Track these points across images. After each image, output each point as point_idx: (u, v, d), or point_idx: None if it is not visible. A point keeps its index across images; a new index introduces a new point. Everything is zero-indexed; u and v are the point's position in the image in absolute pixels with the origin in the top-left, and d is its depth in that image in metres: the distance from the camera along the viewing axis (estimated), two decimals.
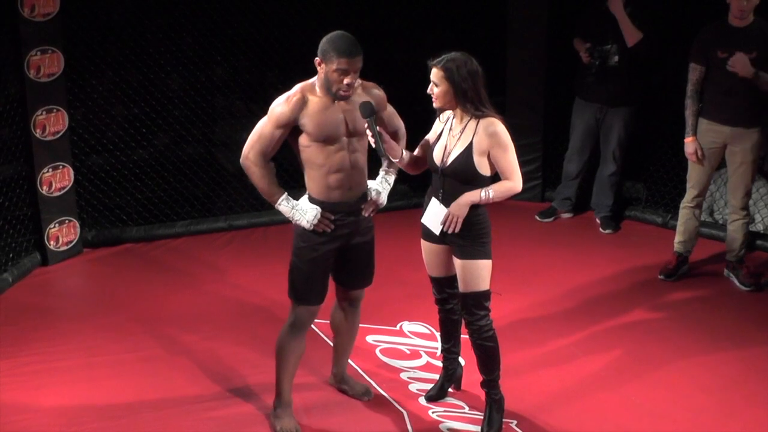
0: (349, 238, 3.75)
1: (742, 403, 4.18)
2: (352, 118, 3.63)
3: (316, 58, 3.58)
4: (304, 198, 3.71)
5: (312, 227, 3.66)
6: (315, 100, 3.60)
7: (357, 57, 3.53)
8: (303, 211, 3.66)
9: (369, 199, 3.79)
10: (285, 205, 3.66)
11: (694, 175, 5.35)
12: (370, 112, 3.58)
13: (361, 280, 3.96)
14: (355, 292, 3.99)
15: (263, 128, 3.63)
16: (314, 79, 3.65)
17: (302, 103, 3.58)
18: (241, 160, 3.69)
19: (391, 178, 3.89)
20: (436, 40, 6.38)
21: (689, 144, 5.25)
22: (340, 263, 3.80)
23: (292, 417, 3.90)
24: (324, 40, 3.58)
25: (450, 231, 3.66)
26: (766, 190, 5.95)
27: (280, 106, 3.60)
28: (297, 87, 3.64)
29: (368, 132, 3.59)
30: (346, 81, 3.54)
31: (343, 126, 3.64)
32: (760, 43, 4.97)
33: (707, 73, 5.14)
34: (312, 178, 3.67)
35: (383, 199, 3.85)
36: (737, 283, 5.38)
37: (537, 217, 6.48)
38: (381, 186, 3.85)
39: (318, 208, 3.66)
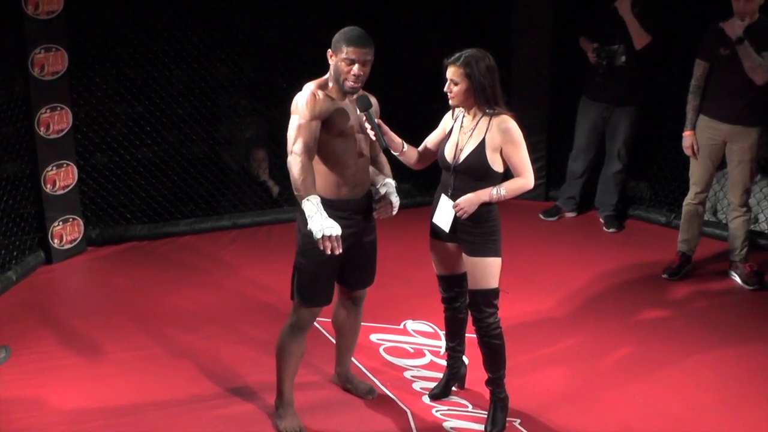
0: (356, 238, 3.75)
1: (746, 401, 4.18)
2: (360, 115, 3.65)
3: (328, 51, 3.59)
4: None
5: (321, 237, 3.45)
6: (333, 94, 3.61)
7: (366, 48, 3.53)
8: (327, 223, 3.46)
9: (384, 201, 3.75)
10: (315, 205, 3.46)
11: (695, 173, 5.37)
12: (367, 105, 3.58)
13: (365, 280, 3.96)
14: (358, 291, 3.99)
15: (300, 124, 3.52)
16: (326, 76, 3.65)
17: (327, 97, 3.57)
18: (288, 160, 3.54)
19: (392, 182, 3.85)
20: (441, 40, 6.38)
21: (686, 138, 5.30)
22: (344, 263, 3.79)
23: (294, 416, 3.90)
24: (337, 33, 3.58)
25: (459, 215, 3.66)
26: None
27: (309, 100, 3.53)
28: (312, 85, 3.61)
29: (367, 125, 3.59)
30: (353, 71, 3.53)
31: (355, 121, 3.64)
32: (762, 42, 4.97)
33: (710, 70, 5.16)
34: (323, 175, 3.64)
35: (396, 203, 3.78)
36: (740, 282, 5.39)
37: (541, 216, 6.49)
38: (391, 187, 3.78)
39: (339, 228, 3.51)
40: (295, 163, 3.52)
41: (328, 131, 3.58)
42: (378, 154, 3.84)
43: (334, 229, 3.46)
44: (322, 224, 3.45)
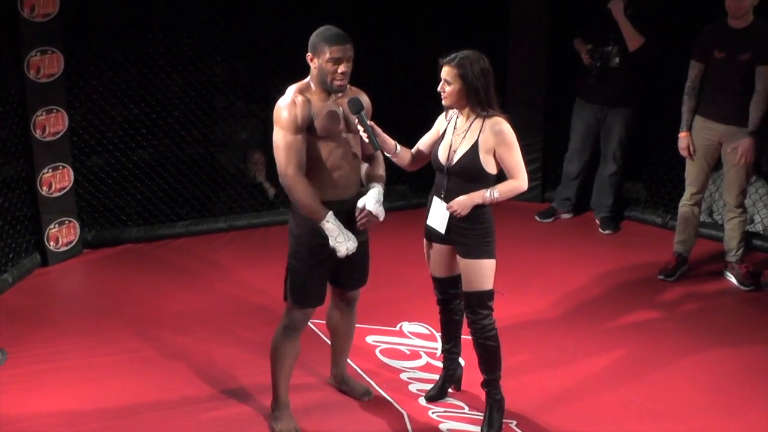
0: None
1: (741, 402, 4.19)
2: (348, 115, 3.64)
3: (308, 55, 3.58)
4: None
5: (345, 255, 3.60)
6: (315, 99, 3.59)
7: (348, 45, 3.53)
8: (348, 236, 3.59)
9: (363, 210, 3.67)
10: (333, 223, 3.56)
11: (691, 173, 5.37)
12: (359, 107, 3.58)
13: (358, 280, 3.95)
14: (351, 292, 3.99)
15: (285, 140, 3.55)
16: (306, 79, 3.64)
17: (307, 102, 3.57)
18: (281, 180, 3.59)
19: (381, 188, 3.78)
20: (437, 41, 6.38)
21: (682, 139, 5.30)
22: (336, 264, 3.79)
23: (291, 418, 3.90)
24: (312, 35, 3.58)
25: (454, 214, 3.66)
26: (766, 190, 5.95)
27: (289, 110, 3.54)
28: (292, 89, 3.61)
29: (360, 127, 3.59)
30: (340, 70, 3.53)
31: (342, 122, 3.64)
32: (756, 45, 4.99)
33: (705, 71, 5.17)
34: (314, 177, 3.63)
35: (381, 211, 3.70)
36: (736, 283, 5.39)
37: (537, 218, 6.49)
38: (376, 197, 3.70)
39: (356, 240, 3.62)
40: (295, 187, 3.56)
41: (314, 134, 3.58)
42: (375, 155, 3.83)
43: (354, 243, 3.61)
44: (347, 246, 3.59)
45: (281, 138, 3.56)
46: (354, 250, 3.61)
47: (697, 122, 5.26)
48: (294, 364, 3.88)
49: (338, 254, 3.60)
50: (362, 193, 3.76)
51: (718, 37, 5.06)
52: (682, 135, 5.30)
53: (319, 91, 3.61)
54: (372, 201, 3.68)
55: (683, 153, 5.34)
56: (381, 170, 3.82)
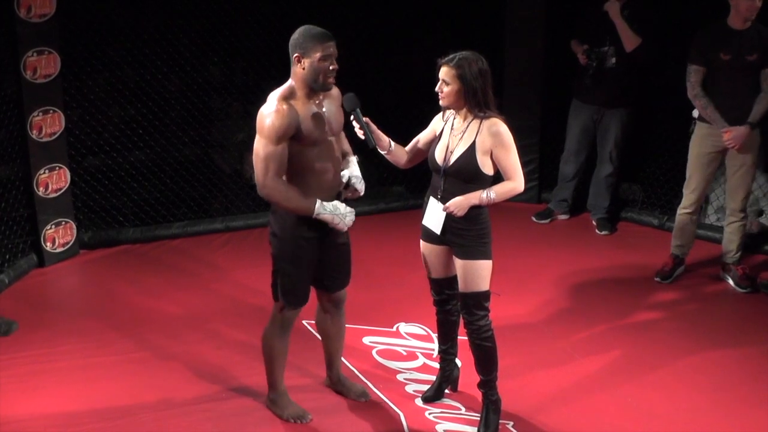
0: (331, 238, 3.75)
1: (737, 404, 4.19)
2: (330, 117, 3.64)
3: (295, 55, 3.54)
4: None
5: (347, 228, 3.65)
6: (299, 104, 3.56)
7: (334, 41, 3.54)
8: (343, 215, 3.61)
9: (349, 186, 3.76)
10: (324, 212, 3.57)
11: (692, 181, 5.31)
12: (355, 104, 3.58)
13: (342, 281, 3.96)
14: (337, 293, 3.99)
15: (266, 150, 3.51)
16: (288, 84, 3.60)
17: (293, 110, 3.52)
18: (259, 191, 3.56)
19: (354, 158, 3.87)
20: (434, 41, 6.38)
21: (730, 133, 5.05)
22: (320, 267, 3.78)
23: (294, 403, 3.97)
24: (295, 37, 3.55)
25: (451, 214, 3.66)
26: None
27: (273, 120, 3.49)
28: (275, 97, 3.56)
29: (355, 124, 3.59)
30: (332, 67, 3.53)
31: (327, 126, 3.64)
32: (760, 46, 4.98)
33: (707, 75, 5.13)
34: (300, 182, 3.61)
35: (362, 185, 3.80)
36: (733, 285, 5.39)
37: (533, 219, 6.49)
38: (358, 171, 3.80)
39: (353, 209, 3.64)
40: (276, 195, 3.55)
41: (300, 141, 3.56)
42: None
43: (351, 216, 3.64)
44: (346, 222, 3.62)
45: (262, 147, 3.53)
46: (353, 220, 3.64)
47: (701, 129, 5.20)
48: (287, 356, 3.94)
49: (342, 230, 3.66)
50: (341, 193, 3.77)
51: (722, 39, 5.02)
52: (727, 131, 5.06)
53: (304, 94, 3.57)
54: (357, 172, 3.76)
55: (737, 144, 5.07)
56: (347, 144, 3.84)
